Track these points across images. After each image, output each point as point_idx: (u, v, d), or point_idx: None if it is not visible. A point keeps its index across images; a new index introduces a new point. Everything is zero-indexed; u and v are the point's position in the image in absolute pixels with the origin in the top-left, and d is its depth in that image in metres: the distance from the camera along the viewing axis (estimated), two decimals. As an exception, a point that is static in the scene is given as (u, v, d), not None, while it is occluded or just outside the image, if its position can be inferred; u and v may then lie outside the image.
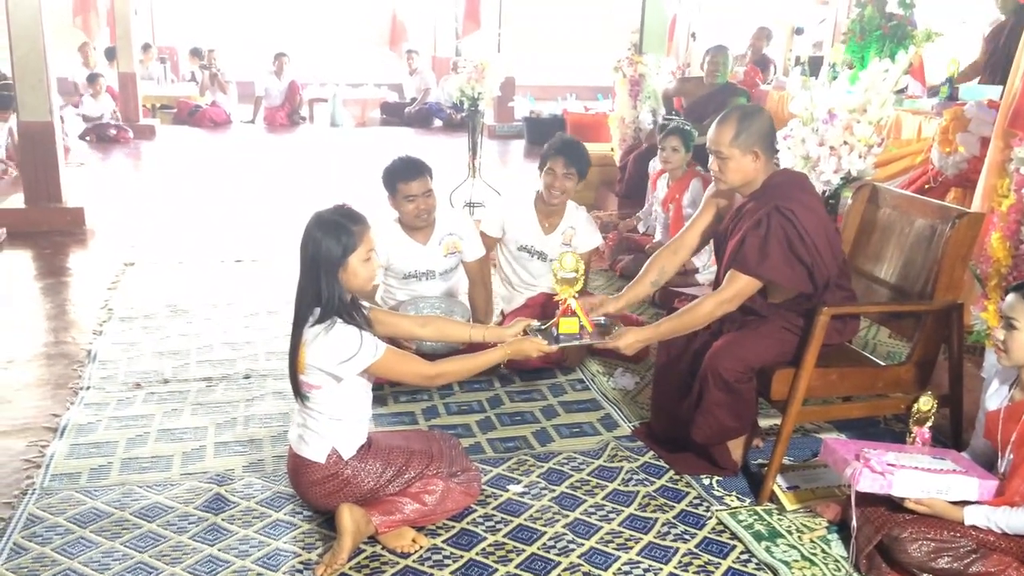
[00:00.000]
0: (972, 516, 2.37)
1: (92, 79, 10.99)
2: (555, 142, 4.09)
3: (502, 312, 4.30)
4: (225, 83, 12.83)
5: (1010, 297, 2.40)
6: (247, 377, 3.82)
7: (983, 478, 2.41)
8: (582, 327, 2.81)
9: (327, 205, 2.61)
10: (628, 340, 2.86)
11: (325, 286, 2.51)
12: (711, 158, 2.94)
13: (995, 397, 2.51)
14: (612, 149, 7.62)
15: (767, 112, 3.00)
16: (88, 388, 3.67)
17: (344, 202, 2.65)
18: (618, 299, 3.10)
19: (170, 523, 2.68)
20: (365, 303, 2.72)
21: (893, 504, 2.48)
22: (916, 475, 2.41)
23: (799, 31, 9.42)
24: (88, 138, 10.57)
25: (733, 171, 2.90)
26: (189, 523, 2.69)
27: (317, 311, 2.53)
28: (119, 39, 11.41)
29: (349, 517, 2.48)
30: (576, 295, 2.81)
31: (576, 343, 2.88)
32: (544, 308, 4.10)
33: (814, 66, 6.92)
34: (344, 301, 2.56)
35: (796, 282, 2.81)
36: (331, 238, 2.51)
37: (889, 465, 2.43)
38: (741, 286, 2.83)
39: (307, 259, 2.53)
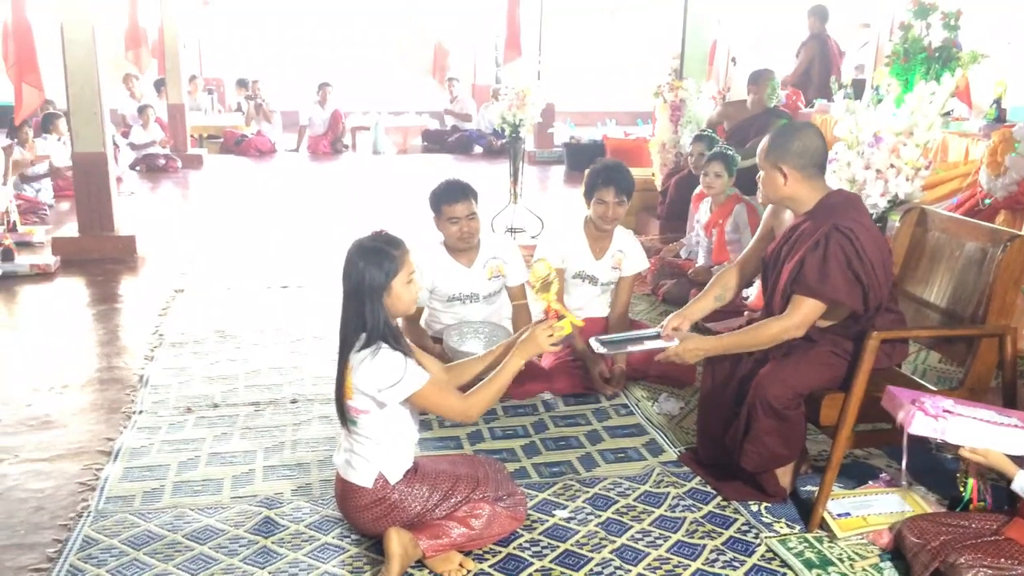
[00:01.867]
0: (1021, 479, 2.34)
1: (141, 110, 11.30)
2: (601, 171, 4.03)
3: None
4: (270, 112, 13.08)
5: None
6: (294, 402, 3.87)
7: None
8: (574, 326, 2.76)
9: (367, 232, 2.66)
10: (690, 345, 2.88)
11: (370, 312, 2.55)
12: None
13: None
14: (653, 174, 7.62)
15: (812, 131, 2.95)
16: (140, 412, 3.75)
17: (382, 228, 2.69)
18: (681, 314, 3.15)
19: (221, 546, 2.72)
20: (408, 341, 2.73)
21: (951, 530, 2.43)
22: (973, 424, 2.38)
23: (841, 54, 9.38)
24: (138, 168, 10.85)
25: (764, 185, 2.97)
26: (240, 546, 2.72)
27: (363, 337, 2.56)
28: (168, 72, 11.72)
29: (397, 541, 2.50)
30: (556, 296, 2.79)
31: (613, 350, 3.05)
32: (588, 335, 4.09)
33: (857, 89, 6.88)
34: (390, 326, 2.59)
35: (854, 302, 2.79)
36: (373, 264, 2.55)
37: (945, 411, 2.41)
38: (806, 311, 2.80)
39: (351, 286, 2.57)
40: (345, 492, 2.67)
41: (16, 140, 8.55)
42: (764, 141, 2.94)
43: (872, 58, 9.31)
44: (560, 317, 2.76)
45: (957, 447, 2.41)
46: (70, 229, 6.73)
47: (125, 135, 11.23)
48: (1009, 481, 2.37)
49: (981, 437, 2.38)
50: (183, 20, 12.32)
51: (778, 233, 3.11)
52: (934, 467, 3.21)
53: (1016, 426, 2.40)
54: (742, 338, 2.90)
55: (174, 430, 3.58)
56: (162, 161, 11.04)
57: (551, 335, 2.70)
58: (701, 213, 5.51)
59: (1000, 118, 5.21)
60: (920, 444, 3.18)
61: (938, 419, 2.39)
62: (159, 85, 12.57)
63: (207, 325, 4.91)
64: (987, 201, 4.44)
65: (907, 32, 4.33)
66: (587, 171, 4.17)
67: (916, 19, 4.34)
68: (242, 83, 13.90)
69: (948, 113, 4.57)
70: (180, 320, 5.01)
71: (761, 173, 2.97)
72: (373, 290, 2.55)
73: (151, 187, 10.02)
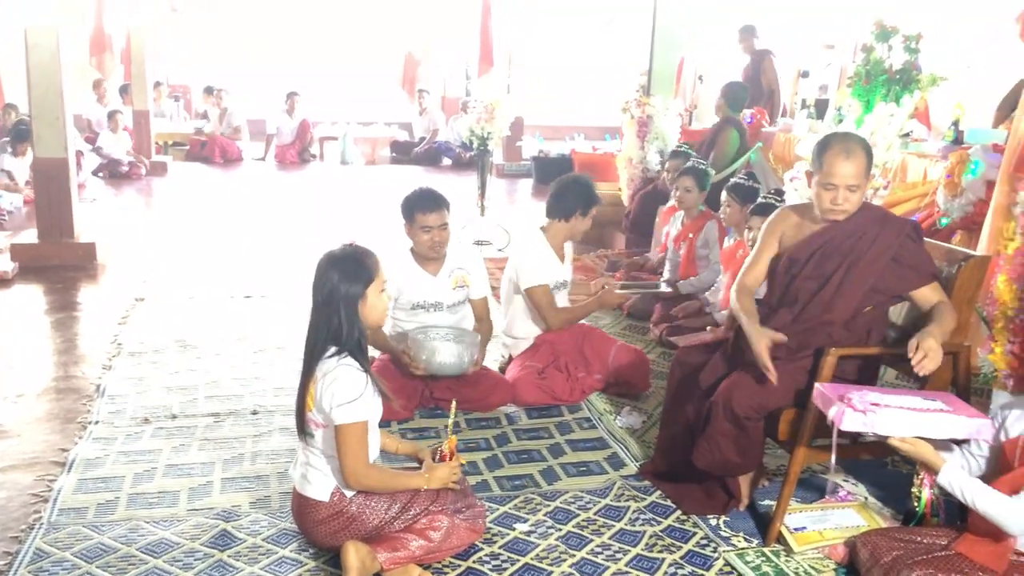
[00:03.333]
0: (947, 473, 2.41)
1: (111, 116, 11.11)
2: (593, 188, 4.17)
3: (510, 356, 4.30)
4: (236, 128, 12.91)
5: None
6: (255, 413, 3.83)
7: (972, 416, 2.46)
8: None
9: (336, 243, 2.66)
10: (934, 340, 2.64)
11: (345, 320, 2.55)
12: (833, 193, 2.85)
13: (1017, 426, 2.48)
14: (620, 189, 7.68)
15: None
16: (97, 423, 3.68)
17: (352, 240, 2.70)
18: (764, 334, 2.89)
19: (176, 559, 2.68)
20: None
21: (903, 546, 2.47)
22: (901, 414, 2.45)
23: (805, 74, 9.51)
24: (101, 174, 10.69)
25: (860, 198, 2.90)
26: (195, 559, 2.68)
27: (332, 348, 2.56)
28: (134, 78, 11.59)
29: (355, 554, 2.48)
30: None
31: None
32: (554, 345, 4.11)
33: (820, 109, 6.99)
34: (362, 337, 2.60)
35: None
36: (348, 274, 2.56)
37: (873, 404, 2.48)
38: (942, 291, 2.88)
39: (323, 297, 2.57)
40: (301, 506, 2.65)
41: (12, 151, 8.53)
42: (860, 159, 2.82)
43: (836, 79, 9.47)
44: (452, 456, 2.80)
45: (887, 437, 2.48)
46: (29, 235, 6.62)
47: (90, 141, 11.08)
48: (913, 463, 2.44)
49: (910, 426, 2.45)
50: (151, 26, 12.20)
51: (792, 240, 3.03)
52: (889, 482, 3.25)
53: (941, 410, 2.49)
54: (951, 320, 2.81)
55: (130, 441, 3.52)
56: (126, 168, 10.90)
57: (455, 475, 2.74)
58: (671, 226, 5.55)
59: (958, 140, 5.31)
60: (876, 460, 3.24)
61: (867, 413, 2.46)
62: (123, 91, 12.43)
63: (167, 334, 4.85)
64: (944, 221, 4.52)
65: (869, 54, 4.42)
66: (573, 186, 4.16)
67: (878, 42, 4.44)
68: (209, 90, 13.79)
69: (907, 134, 4.65)
70: (140, 329, 4.94)
71: (851, 191, 2.85)
72: (348, 299, 2.56)
73: (114, 194, 9.89)
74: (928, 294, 2.86)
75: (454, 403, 2.93)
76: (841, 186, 2.84)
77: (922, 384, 2.92)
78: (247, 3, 16.46)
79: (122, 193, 10.01)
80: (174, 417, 3.77)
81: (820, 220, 2.97)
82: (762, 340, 2.80)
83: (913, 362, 2.56)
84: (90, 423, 3.68)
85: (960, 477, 2.39)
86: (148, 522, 2.89)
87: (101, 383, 4.13)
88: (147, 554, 2.70)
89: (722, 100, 6.82)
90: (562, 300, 4.28)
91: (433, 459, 2.80)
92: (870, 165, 2.90)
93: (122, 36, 12.88)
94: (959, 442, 2.61)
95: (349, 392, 2.52)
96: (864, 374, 2.97)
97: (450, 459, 2.79)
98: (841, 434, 2.64)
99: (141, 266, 6.46)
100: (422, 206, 3.80)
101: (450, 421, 2.83)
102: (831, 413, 2.54)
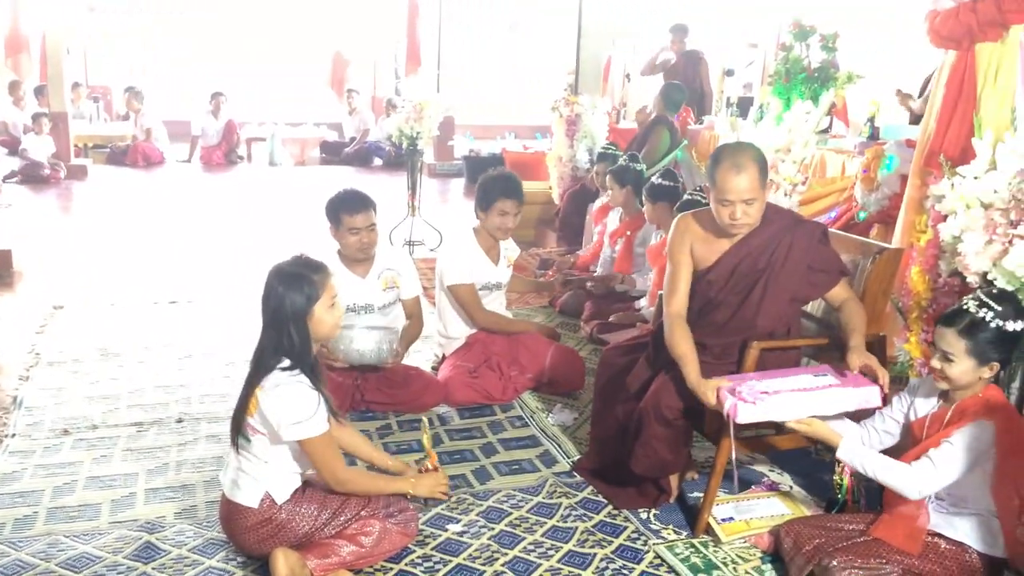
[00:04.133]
0: (845, 448, 2.51)
1: (36, 118, 10.70)
2: (499, 182, 4.09)
3: (443, 356, 4.28)
4: (147, 131, 12.45)
5: (939, 330, 2.46)
6: (180, 421, 3.74)
7: (859, 385, 2.56)
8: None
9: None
10: (867, 359, 2.67)
11: (296, 336, 2.53)
12: (730, 209, 2.80)
13: (924, 406, 2.59)
14: (550, 187, 7.72)
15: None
16: (13, 436, 3.55)
17: (302, 252, 2.69)
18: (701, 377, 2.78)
19: (97, 573, 2.60)
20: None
21: (824, 533, 2.54)
22: (790, 398, 2.55)
23: (729, 73, 9.69)
24: (16, 179, 10.31)
25: (759, 209, 2.84)
26: (118, 573, 2.61)
27: (286, 362, 2.53)
28: (51, 78, 11.19)
29: (284, 562, 2.45)
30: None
31: None
32: (486, 344, 4.11)
33: (744, 107, 7.14)
34: (310, 353, 2.57)
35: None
36: (294, 289, 2.53)
37: (762, 393, 2.56)
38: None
39: (271, 311, 2.54)
40: (230, 513, 2.60)
41: None
42: (752, 171, 2.76)
43: (759, 76, 9.67)
44: (436, 468, 2.89)
45: (784, 422, 2.58)
46: (-61, 243, 6.35)
47: (5, 144, 10.66)
48: (834, 450, 2.55)
49: (802, 407, 2.55)
50: (68, 26, 11.79)
51: (705, 254, 2.98)
52: (813, 470, 3.34)
53: (830, 386, 2.59)
54: (864, 319, 2.85)
55: (49, 453, 3.41)
56: (46, 171, 10.52)
57: (442, 485, 2.82)
58: (609, 223, 5.59)
59: (874, 136, 5.48)
60: (800, 450, 3.32)
61: (757, 403, 2.54)
62: (39, 92, 12.01)
63: (88, 343, 4.70)
64: (862, 215, 4.66)
65: (788, 53, 4.53)
66: (480, 182, 4.16)
67: (796, 41, 4.55)
68: (129, 91, 13.41)
69: (826, 130, 4.78)
70: (59, 338, 4.78)
71: (748, 204, 2.79)
72: (295, 315, 2.52)
73: (31, 199, 9.54)
74: (838, 292, 2.92)
75: (424, 420, 3.05)
76: (737, 201, 2.78)
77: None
78: (170, 1, 16.08)
79: (40, 198, 9.67)
80: (95, 427, 3.66)
81: (726, 232, 2.92)
82: (709, 394, 2.68)
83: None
84: (6, 436, 3.55)
85: (858, 450, 2.50)
86: (68, 536, 2.80)
87: (18, 395, 3.99)
88: (67, 569, 2.62)
89: (660, 99, 6.92)
90: (497, 300, 4.27)
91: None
92: (764, 175, 2.83)
93: (39, 36, 12.44)
94: (862, 417, 2.70)
95: (303, 411, 2.49)
96: (785, 365, 3.03)
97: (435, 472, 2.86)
98: (752, 426, 2.71)
99: (60, 273, 6.25)
100: (348, 208, 3.76)
101: (424, 438, 2.93)
102: (726, 408, 2.60)
